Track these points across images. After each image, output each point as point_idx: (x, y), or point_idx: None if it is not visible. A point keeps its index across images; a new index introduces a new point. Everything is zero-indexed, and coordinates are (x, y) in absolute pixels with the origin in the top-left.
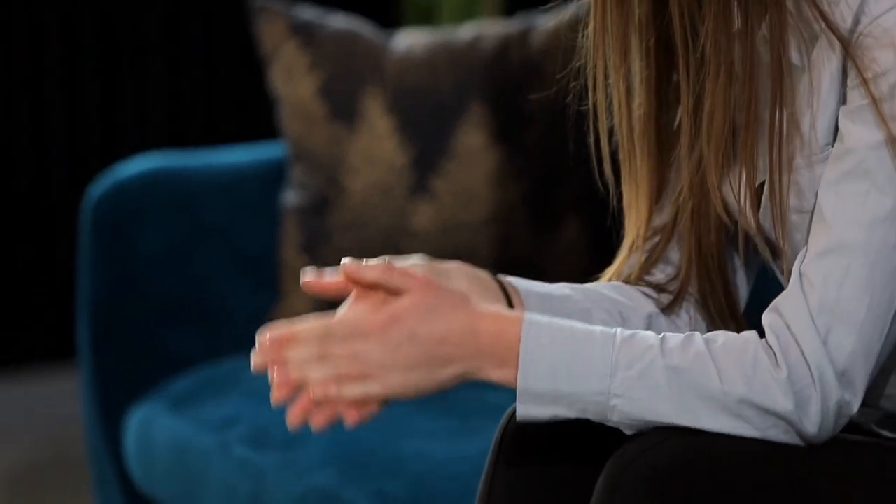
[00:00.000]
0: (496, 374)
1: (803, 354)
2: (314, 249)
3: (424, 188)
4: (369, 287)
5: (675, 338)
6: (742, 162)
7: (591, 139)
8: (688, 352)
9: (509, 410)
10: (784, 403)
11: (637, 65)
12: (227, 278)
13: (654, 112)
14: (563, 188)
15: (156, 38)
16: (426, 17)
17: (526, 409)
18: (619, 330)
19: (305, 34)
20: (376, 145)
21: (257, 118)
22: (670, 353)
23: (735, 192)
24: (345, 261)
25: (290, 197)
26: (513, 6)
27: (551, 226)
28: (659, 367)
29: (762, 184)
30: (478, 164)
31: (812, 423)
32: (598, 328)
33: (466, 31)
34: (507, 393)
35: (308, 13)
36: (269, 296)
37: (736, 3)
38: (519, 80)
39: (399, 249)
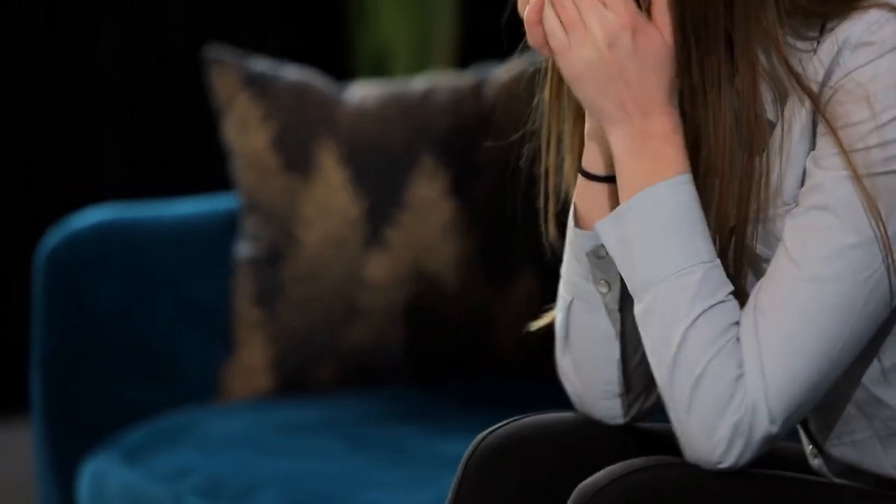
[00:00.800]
0: (620, 159)
1: (746, 382)
2: (267, 301)
3: (378, 240)
4: None
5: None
6: (713, 208)
7: (541, 200)
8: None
9: (474, 442)
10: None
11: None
12: (180, 330)
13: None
14: (517, 239)
15: (110, 89)
16: (379, 69)
17: (606, 224)
18: (716, 262)
19: (258, 86)
20: (330, 197)
21: (211, 170)
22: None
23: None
24: None
25: (244, 248)
26: (466, 58)
27: (506, 277)
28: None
29: (732, 228)
30: (431, 216)
31: (723, 451)
32: (709, 243)
33: (420, 83)
34: (461, 444)
35: (261, 65)
36: (222, 347)
37: (707, 61)
38: (472, 131)
39: (353, 301)
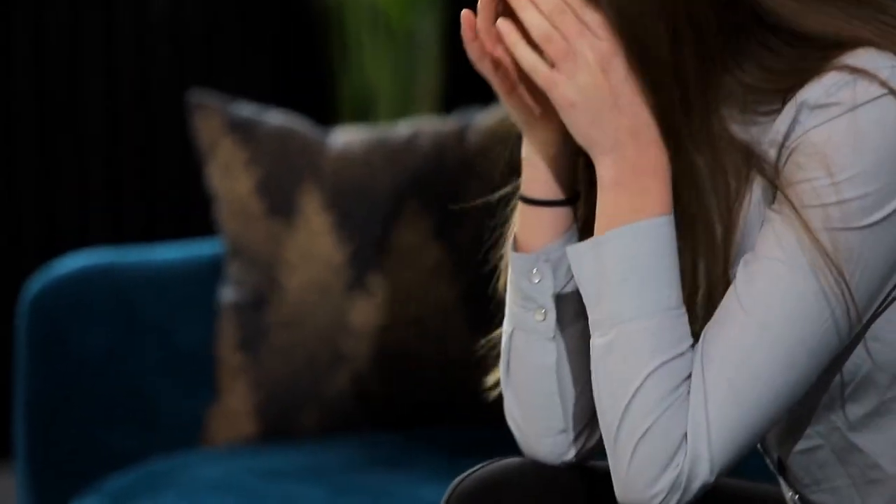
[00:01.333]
0: (608, 188)
1: (690, 435)
2: (251, 346)
3: (362, 285)
4: None
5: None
6: (685, 259)
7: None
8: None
9: (451, 486)
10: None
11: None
12: (165, 375)
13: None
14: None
15: (94, 134)
16: (363, 114)
17: (579, 250)
18: (682, 311)
19: (242, 131)
20: (314, 242)
21: (195, 215)
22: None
23: None
24: None
25: (228, 293)
26: (450, 103)
27: (489, 323)
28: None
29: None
30: (415, 261)
31: (658, 502)
32: (679, 291)
33: (403, 128)
34: (444, 490)
35: (245, 110)
36: (206, 392)
37: (673, 133)
38: (456, 177)
39: (337, 347)
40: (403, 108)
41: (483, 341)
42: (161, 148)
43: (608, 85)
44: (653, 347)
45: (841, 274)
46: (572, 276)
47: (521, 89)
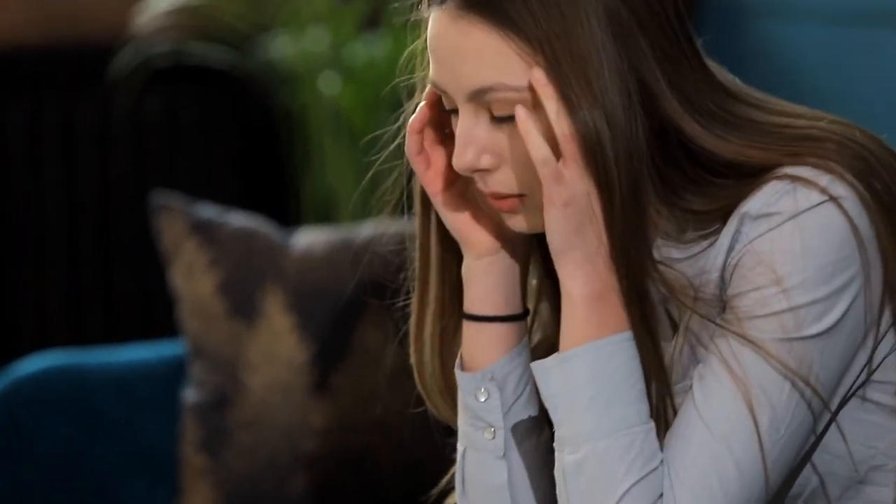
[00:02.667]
0: (575, 303)
1: None
2: (214, 447)
3: (324, 386)
4: None
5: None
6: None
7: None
8: None
9: None
10: None
11: None
12: (128, 476)
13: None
14: None
15: (55, 235)
16: (325, 215)
17: (544, 366)
18: (651, 426)
19: (205, 232)
20: (276, 342)
21: (157, 315)
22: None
23: None
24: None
25: (190, 394)
26: (411, 205)
27: (451, 426)
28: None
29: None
30: (377, 363)
31: None
32: (646, 407)
33: (366, 230)
34: None
35: (208, 211)
36: (170, 493)
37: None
38: None
39: (299, 448)
40: (366, 209)
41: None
42: (123, 248)
43: (594, 202)
44: (626, 467)
45: (805, 381)
46: (522, 392)
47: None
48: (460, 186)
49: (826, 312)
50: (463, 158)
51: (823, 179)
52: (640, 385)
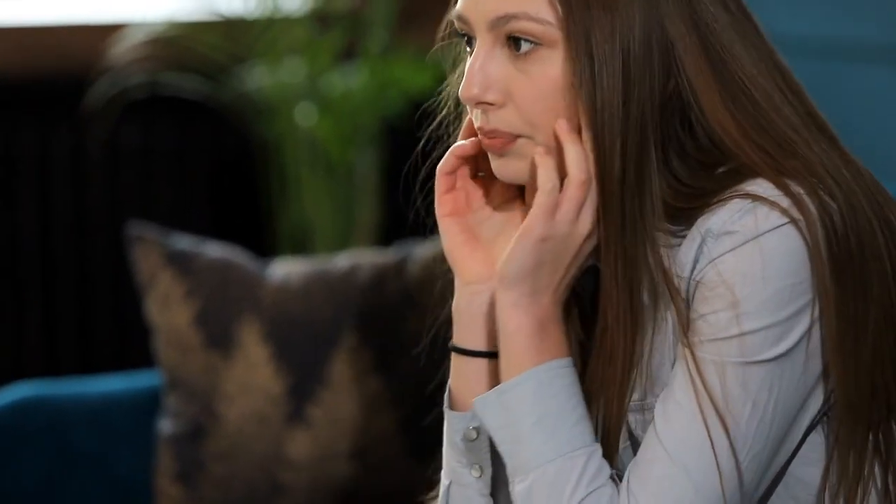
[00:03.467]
0: (512, 332)
1: None
2: (189, 478)
3: (300, 417)
4: None
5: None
6: (603, 391)
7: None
8: None
9: None
10: None
11: None
12: None
13: None
14: (440, 416)
15: (30, 266)
16: (301, 246)
17: (486, 401)
18: (597, 447)
19: (181, 263)
20: (252, 373)
21: (132, 346)
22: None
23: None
24: None
25: (166, 425)
26: (388, 236)
27: (429, 454)
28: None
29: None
30: (353, 393)
31: None
32: (591, 427)
33: (342, 261)
34: None
35: (183, 242)
36: None
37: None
38: (395, 309)
39: (276, 479)
40: (342, 241)
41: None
42: (98, 279)
43: (572, 237)
44: (573, 486)
45: (713, 417)
46: None
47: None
48: (466, 217)
49: (783, 336)
50: (470, 89)
51: (785, 201)
52: (580, 409)
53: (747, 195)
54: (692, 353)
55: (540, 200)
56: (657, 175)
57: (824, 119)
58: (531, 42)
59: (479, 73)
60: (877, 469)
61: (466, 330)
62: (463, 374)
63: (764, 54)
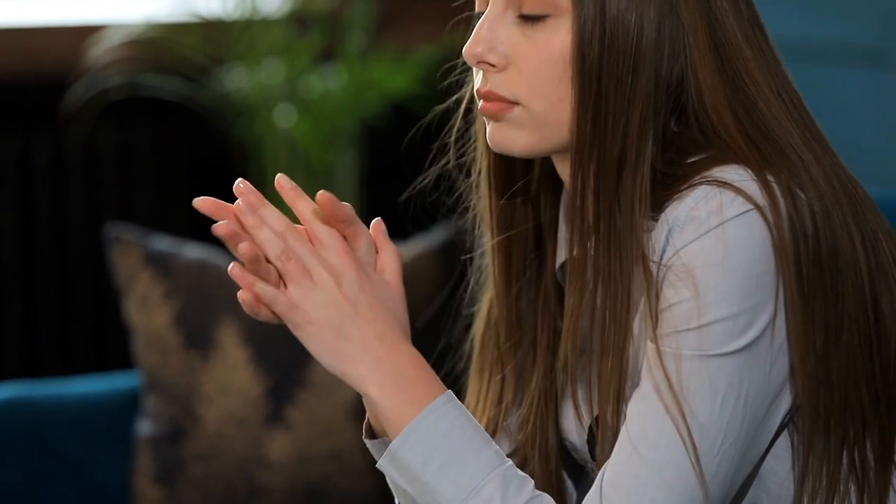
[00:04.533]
0: (377, 399)
1: None
2: (168, 480)
3: (279, 418)
4: (336, 221)
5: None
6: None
7: None
8: None
9: None
10: None
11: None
12: None
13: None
14: None
15: (9, 267)
16: None
17: (384, 465)
18: (508, 464)
19: (160, 264)
20: (231, 375)
21: (111, 348)
22: None
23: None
24: (320, 193)
25: (144, 427)
26: None
27: None
28: None
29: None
30: (333, 395)
31: None
32: (496, 448)
33: None
34: None
35: (162, 243)
36: None
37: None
38: None
39: (255, 480)
40: None
41: None
42: (77, 280)
43: (346, 296)
44: None
45: (681, 413)
46: None
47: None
48: None
49: (746, 327)
50: (474, 47)
51: (752, 186)
52: (478, 432)
53: (714, 181)
54: (657, 348)
55: (279, 309)
56: (650, 159)
57: (821, 130)
58: (542, 15)
59: (485, 33)
60: (852, 489)
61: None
62: (375, 413)
63: (769, 60)
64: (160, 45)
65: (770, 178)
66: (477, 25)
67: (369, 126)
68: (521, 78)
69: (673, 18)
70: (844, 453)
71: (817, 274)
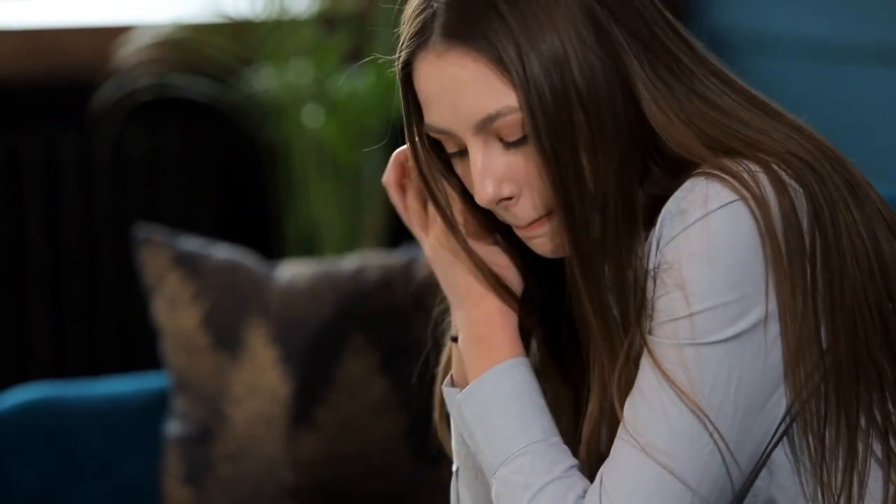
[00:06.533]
0: (461, 348)
1: None
2: (197, 480)
3: (307, 418)
4: None
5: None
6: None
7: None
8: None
9: None
10: None
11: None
12: None
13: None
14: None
15: (38, 268)
16: (309, 248)
17: (452, 410)
18: (554, 440)
19: (188, 265)
20: (259, 375)
21: (140, 348)
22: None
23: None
24: None
25: (173, 427)
26: (396, 237)
27: (434, 457)
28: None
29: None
30: (360, 395)
31: None
32: (545, 422)
33: (350, 262)
34: None
35: (191, 244)
36: None
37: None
38: (402, 310)
39: (282, 480)
40: (350, 243)
41: None
42: (105, 281)
43: (449, 244)
44: (524, 479)
45: (676, 401)
46: None
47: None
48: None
49: (738, 316)
50: (485, 192)
51: (738, 178)
52: (534, 406)
53: (702, 172)
54: (646, 339)
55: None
56: (641, 193)
57: (763, 97)
58: (522, 136)
59: (485, 174)
60: (876, 441)
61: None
62: (460, 361)
63: (693, 58)
64: (188, 45)
65: (755, 167)
66: (473, 173)
67: (397, 126)
68: (539, 194)
69: (613, 69)
70: (861, 435)
71: (822, 256)
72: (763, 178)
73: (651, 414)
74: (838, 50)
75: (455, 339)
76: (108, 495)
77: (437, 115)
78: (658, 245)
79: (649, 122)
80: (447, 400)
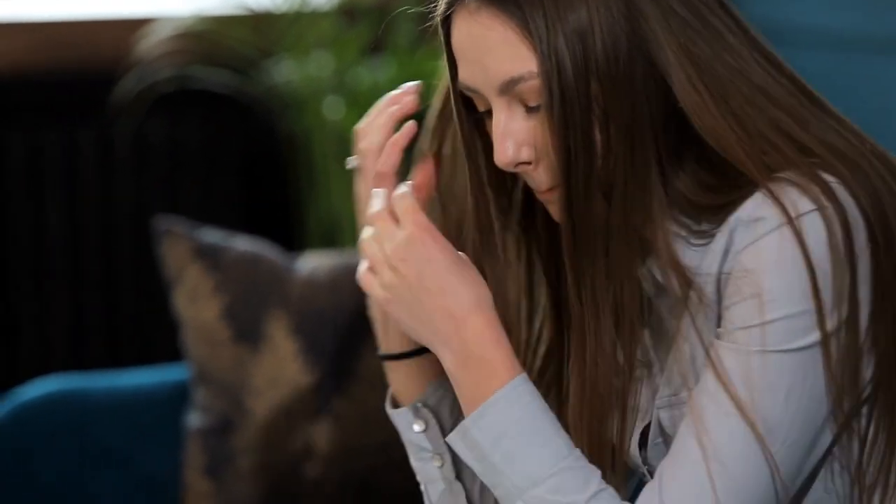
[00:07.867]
0: (451, 375)
1: None
2: (218, 472)
3: (328, 410)
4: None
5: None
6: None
7: None
8: None
9: None
10: None
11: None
12: (130, 502)
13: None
14: None
15: (59, 260)
16: (330, 240)
17: (454, 440)
18: (576, 454)
19: (209, 257)
20: (280, 367)
21: (160, 340)
22: None
23: (617, 432)
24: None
25: (194, 419)
26: None
27: None
28: None
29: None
30: (382, 386)
31: None
32: (564, 437)
33: None
34: None
35: (212, 236)
36: None
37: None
38: None
39: (304, 472)
40: None
41: None
42: (126, 273)
43: (408, 275)
44: (566, 502)
45: (743, 408)
46: (460, 414)
47: None
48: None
49: (810, 327)
50: (504, 154)
51: (815, 188)
52: (548, 423)
53: (780, 180)
54: (716, 345)
55: (363, 285)
56: (661, 184)
57: (812, 88)
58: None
59: (506, 136)
60: None
61: (384, 337)
62: (399, 377)
63: (742, 38)
64: (209, 37)
65: (830, 178)
66: (494, 133)
67: (418, 118)
68: (553, 162)
69: (645, 53)
70: None
71: (879, 265)
72: (840, 190)
73: (714, 416)
74: (857, 40)
75: (385, 358)
76: (129, 487)
77: (466, 73)
78: (727, 250)
79: (678, 105)
80: (396, 421)
